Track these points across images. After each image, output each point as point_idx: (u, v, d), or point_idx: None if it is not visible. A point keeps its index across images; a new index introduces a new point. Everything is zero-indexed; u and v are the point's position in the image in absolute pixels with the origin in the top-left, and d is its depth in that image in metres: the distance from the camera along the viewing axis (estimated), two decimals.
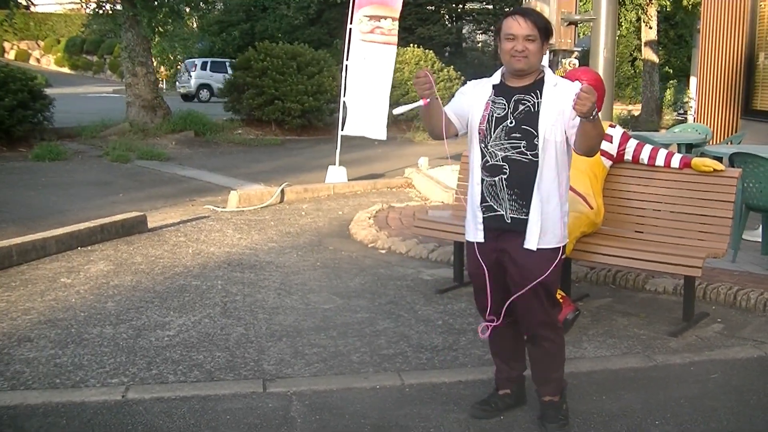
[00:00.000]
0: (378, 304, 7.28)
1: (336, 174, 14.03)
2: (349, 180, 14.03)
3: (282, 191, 12.27)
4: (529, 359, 4.96)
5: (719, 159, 7.71)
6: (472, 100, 4.74)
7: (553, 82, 4.62)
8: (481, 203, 4.70)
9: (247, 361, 5.87)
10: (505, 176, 4.58)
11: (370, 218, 10.58)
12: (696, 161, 6.79)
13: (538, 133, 4.51)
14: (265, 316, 6.87)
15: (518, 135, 4.54)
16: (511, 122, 4.56)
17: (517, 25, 4.50)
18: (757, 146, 10.25)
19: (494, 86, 4.71)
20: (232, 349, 6.11)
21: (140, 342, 6.22)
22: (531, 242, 4.58)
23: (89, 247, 9.04)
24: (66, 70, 51.08)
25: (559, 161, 4.58)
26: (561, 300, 6.39)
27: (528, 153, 4.54)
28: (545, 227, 4.58)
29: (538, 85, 4.60)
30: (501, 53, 4.62)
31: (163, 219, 10.70)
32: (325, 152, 16.82)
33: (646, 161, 6.89)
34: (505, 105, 4.60)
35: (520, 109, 4.57)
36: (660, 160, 6.86)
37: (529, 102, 4.57)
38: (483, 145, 4.65)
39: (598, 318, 6.94)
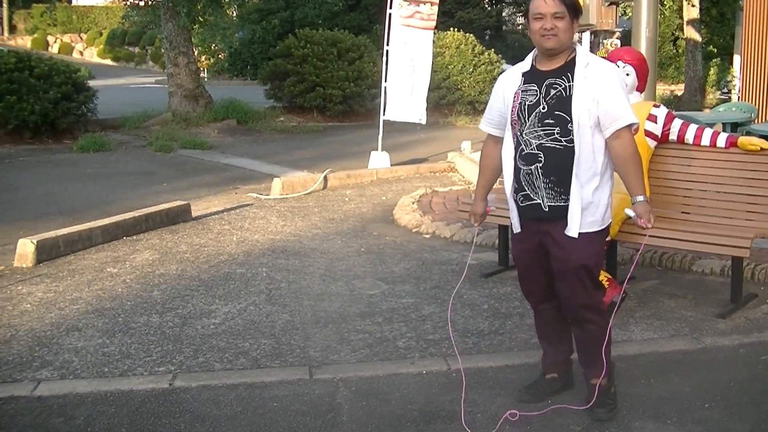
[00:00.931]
0: (423, 289, 7.27)
1: (379, 159, 14.01)
2: (391, 165, 14.01)
3: (325, 178, 12.27)
4: (575, 343, 4.92)
5: (766, 138, 7.61)
6: (504, 97, 4.74)
7: (584, 62, 4.55)
8: (518, 192, 4.67)
9: (293, 348, 5.88)
10: (541, 164, 4.54)
11: (413, 203, 10.56)
12: (742, 140, 6.70)
13: (571, 119, 4.46)
14: (311, 303, 6.88)
15: (551, 121, 4.50)
16: (543, 108, 4.52)
17: (543, 4, 4.46)
18: None
19: (524, 74, 4.67)
20: (277, 336, 6.13)
21: (186, 330, 6.25)
22: (573, 230, 4.53)
23: (134, 237, 9.09)
24: (108, 62, 51.25)
25: (595, 145, 4.51)
26: (607, 282, 6.34)
27: (562, 139, 4.49)
28: (586, 212, 4.53)
29: (569, 67, 4.54)
30: (531, 34, 4.58)
31: (207, 207, 10.74)
32: (367, 138, 16.82)
33: (691, 141, 6.80)
34: (536, 91, 4.56)
35: (552, 94, 4.52)
36: (706, 140, 6.78)
37: (561, 86, 4.52)
38: (519, 134, 4.60)
39: (644, 300, 6.88)
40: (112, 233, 8.94)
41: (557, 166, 4.51)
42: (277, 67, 21.97)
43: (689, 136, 6.79)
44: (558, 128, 4.48)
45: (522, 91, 4.61)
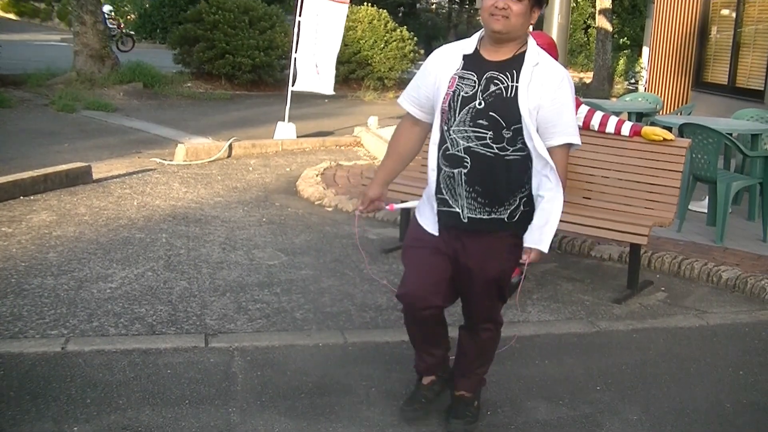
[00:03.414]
0: (323, 261, 7.25)
1: (285, 130, 13.92)
2: (297, 137, 13.93)
3: (230, 146, 12.16)
4: (457, 349, 4.57)
5: (669, 129, 7.74)
6: (437, 78, 4.09)
7: (534, 60, 3.95)
8: (436, 194, 4.14)
9: (189, 316, 5.82)
10: (466, 170, 3.99)
11: (317, 176, 10.53)
12: (646, 130, 6.80)
13: (507, 126, 3.91)
14: (209, 271, 6.81)
15: (485, 123, 3.91)
16: (480, 104, 3.92)
17: None
18: (707, 118, 10.33)
19: (465, 57, 4.06)
20: (174, 303, 6.06)
21: (81, 294, 6.14)
22: (544, 243, 4.04)
23: (32, 197, 8.89)
24: (12, 16, 50.12)
25: (534, 154, 3.98)
26: None
27: (494, 146, 3.93)
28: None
29: (516, 63, 3.95)
30: (481, 12, 3.94)
31: (109, 170, 10.56)
32: (274, 108, 16.71)
33: (596, 128, 6.88)
34: (474, 82, 3.96)
35: (491, 90, 3.93)
36: (610, 127, 6.86)
37: (503, 84, 3.93)
38: (445, 128, 4.03)
39: (543, 283, 6.96)
40: (8, 192, 8.73)
41: (484, 174, 3.99)
42: (186, 32, 21.64)
43: (594, 123, 6.87)
44: (491, 132, 3.92)
45: (459, 77, 4.02)
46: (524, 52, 3.98)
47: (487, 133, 3.93)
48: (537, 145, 3.92)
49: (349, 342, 5.48)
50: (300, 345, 5.42)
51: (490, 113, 3.92)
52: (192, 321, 5.74)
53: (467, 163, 3.98)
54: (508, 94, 3.92)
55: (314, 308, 6.13)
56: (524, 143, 3.95)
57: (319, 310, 6.10)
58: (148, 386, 4.71)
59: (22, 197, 8.83)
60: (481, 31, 4.10)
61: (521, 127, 3.92)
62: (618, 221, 6.39)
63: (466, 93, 3.97)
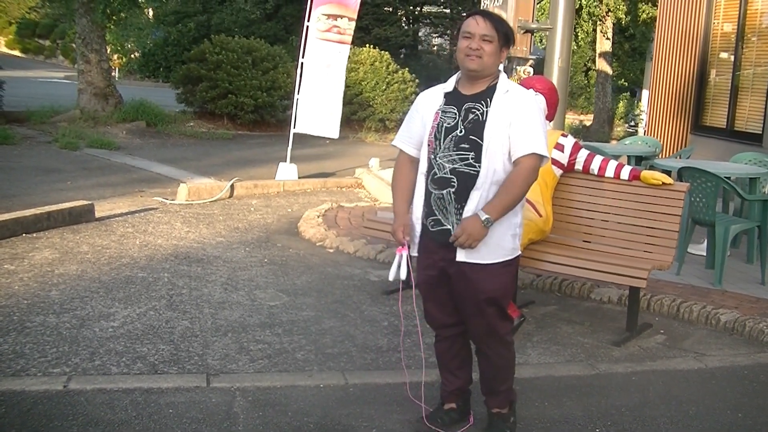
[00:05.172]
0: (324, 302, 7.28)
1: (287, 171, 13.98)
2: (299, 177, 13.99)
3: (232, 186, 12.22)
4: (479, 370, 4.86)
5: (668, 173, 7.80)
6: (423, 115, 4.66)
7: (504, 88, 4.51)
8: (429, 216, 4.59)
9: (191, 355, 5.85)
10: (453, 189, 4.47)
11: (319, 217, 10.58)
12: (645, 174, 6.84)
13: (484, 143, 4.41)
14: (211, 311, 6.85)
15: (466, 146, 4.44)
16: (460, 131, 4.46)
17: (474, 24, 4.45)
18: (705, 161, 10.38)
19: (446, 94, 4.62)
20: (176, 342, 6.09)
21: (84, 332, 6.17)
22: (473, 255, 4.46)
23: (34, 234, 8.94)
24: (17, 53, 50.49)
25: (506, 172, 4.45)
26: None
27: (477, 165, 4.42)
28: (491, 241, 4.44)
29: (489, 93, 4.50)
30: (457, 53, 4.55)
31: (111, 209, 10.61)
32: (276, 148, 16.79)
33: (596, 172, 6.93)
34: (455, 114, 4.51)
35: (469, 118, 4.47)
36: (610, 171, 6.91)
37: (479, 110, 4.47)
38: (432, 157, 4.54)
39: (542, 325, 6.98)
40: (10, 229, 8.78)
41: (469, 191, 4.43)
42: (190, 71, 21.79)
43: (594, 167, 6.92)
44: (473, 153, 4.42)
45: (442, 111, 4.56)
46: (496, 83, 4.55)
47: (469, 154, 4.45)
48: (488, 164, 4.42)
49: (350, 383, 5.51)
50: (301, 386, 5.44)
51: (471, 137, 4.45)
52: (194, 361, 5.77)
53: (454, 183, 4.48)
54: (484, 119, 4.46)
55: (315, 349, 6.15)
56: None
57: (320, 350, 6.13)
58: (150, 425, 4.73)
59: (24, 234, 8.87)
60: (458, 72, 4.67)
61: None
62: (617, 264, 6.42)
63: (449, 124, 4.52)
